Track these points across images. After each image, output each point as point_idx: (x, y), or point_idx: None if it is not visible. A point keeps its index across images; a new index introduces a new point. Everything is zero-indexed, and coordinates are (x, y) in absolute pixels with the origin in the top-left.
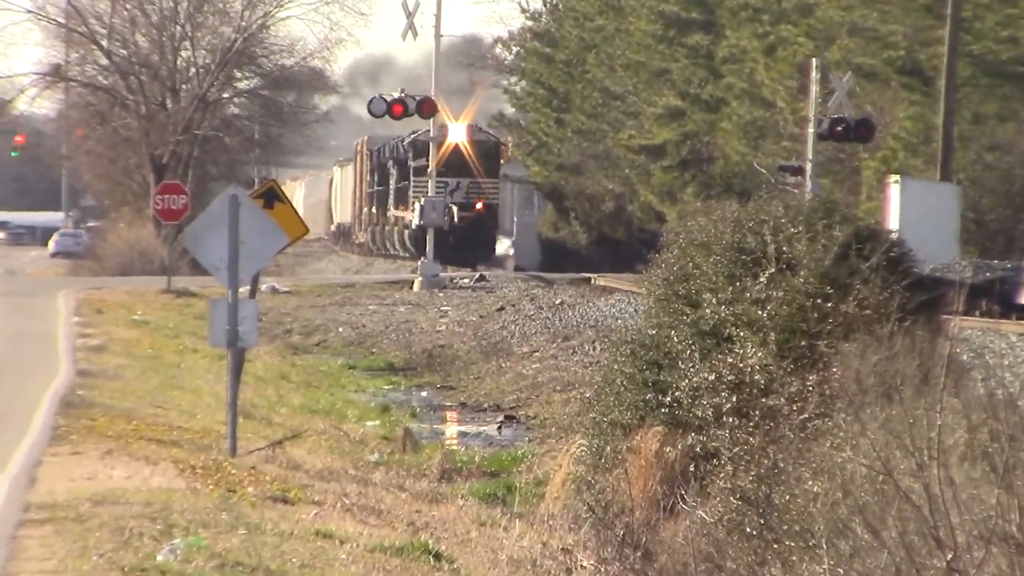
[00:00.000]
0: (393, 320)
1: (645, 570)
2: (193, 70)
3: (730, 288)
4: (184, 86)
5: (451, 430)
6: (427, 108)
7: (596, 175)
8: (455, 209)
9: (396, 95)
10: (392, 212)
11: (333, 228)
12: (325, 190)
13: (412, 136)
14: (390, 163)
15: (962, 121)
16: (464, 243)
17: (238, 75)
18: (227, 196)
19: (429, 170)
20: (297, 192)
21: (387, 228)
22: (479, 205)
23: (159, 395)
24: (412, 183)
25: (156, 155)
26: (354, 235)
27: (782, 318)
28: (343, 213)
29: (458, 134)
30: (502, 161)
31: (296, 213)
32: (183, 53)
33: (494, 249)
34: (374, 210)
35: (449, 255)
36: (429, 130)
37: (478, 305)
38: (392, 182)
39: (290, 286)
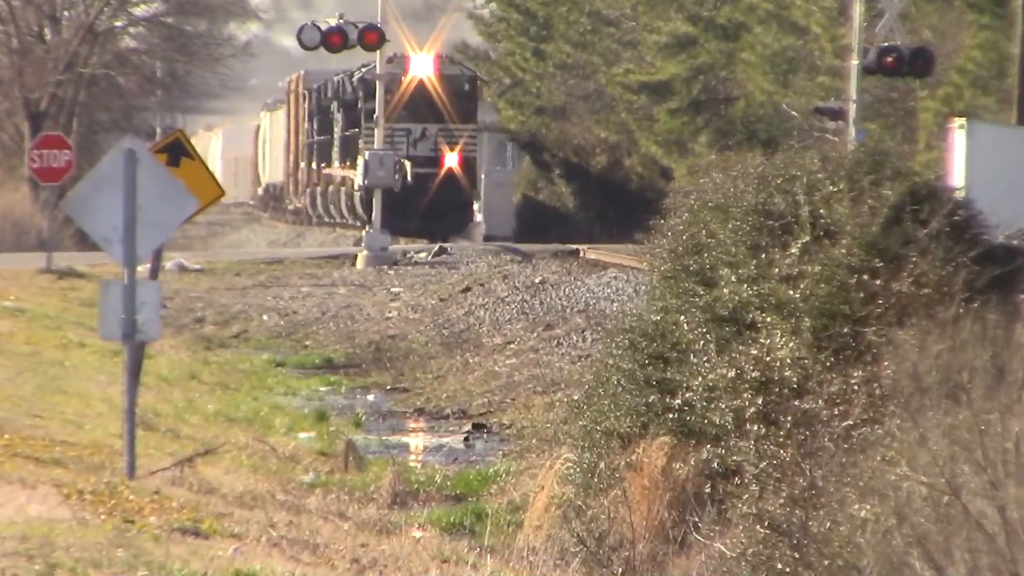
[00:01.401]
0: (332, 305)
1: None
2: None
3: (753, 262)
4: (66, 13)
5: (405, 443)
6: (372, 37)
7: (585, 120)
8: (408, 165)
9: (333, 22)
10: (337, 169)
11: (260, 191)
12: (249, 142)
13: (363, 71)
14: (334, 106)
15: None
16: (433, 209)
17: None
18: (121, 151)
19: (375, 115)
20: (213, 145)
21: (331, 189)
22: (451, 158)
23: (37, 402)
24: (364, 131)
25: (32, 100)
26: (287, 199)
27: (819, 299)
28: (273, 171)
29: (423, 67)
30: (478, 103)
31: (208, 171)
32: None
33: (472, 215)
34: (314, 166)
35: (413, 225)
36: (388, 60)
37: (438, 285)
38: (337, 130)
39: (202, 263)
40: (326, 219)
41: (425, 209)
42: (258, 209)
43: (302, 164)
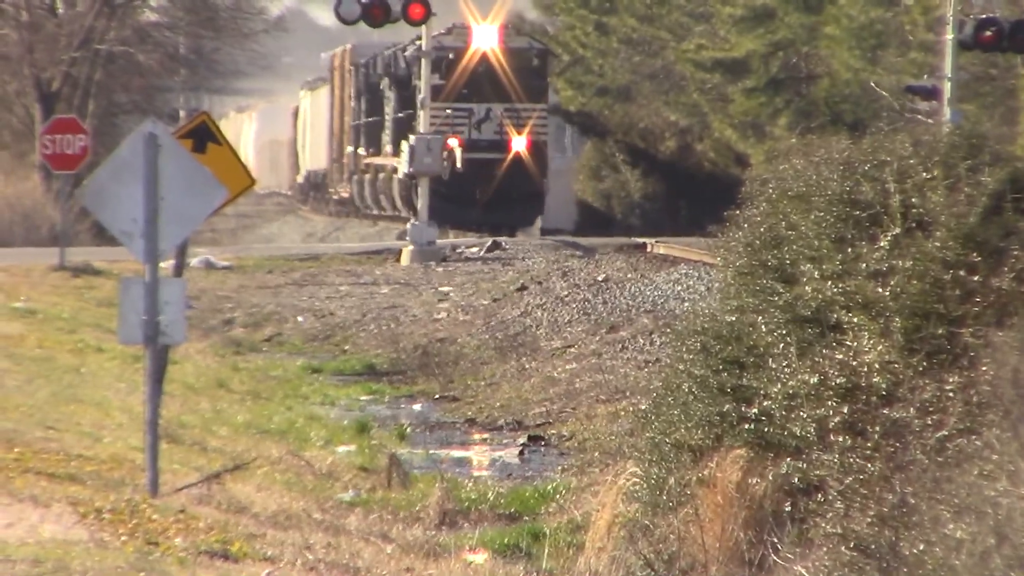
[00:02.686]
0: (373, 305)
1: None
2: None
3: (838, 256)
4: None
5: (454, 457)
6: (418, 10)
7: (653, 102)
8: (458, 150)
9: None
10: (389, 155)
11: (300, 179)
12: (287, 125)
13: (419, 42)
14: (385, 83)
15: None
16: (499, 199)
17: None
18: (142, 135)
19: (421, 97)
20: (246, 128)
21: (381, 177)
22: (518, 141)
23: (51, 411)
24: (421, 111)
25: (43, 79)
26: (331, 187)
27: (911, 297)
28: (315, 157)
29: (487, 39)
30: (548, 80)
31: (237, 158)
32: None
33: (542, 206)
34: (361, 151)
35: (475, 216)
36: (447, 31)
37: (491, 283)
38: (389, 110)
39: (231, 259)
40: (375, 211)
41: (489, 199)
42: (297, 200)
43: (348, 148)
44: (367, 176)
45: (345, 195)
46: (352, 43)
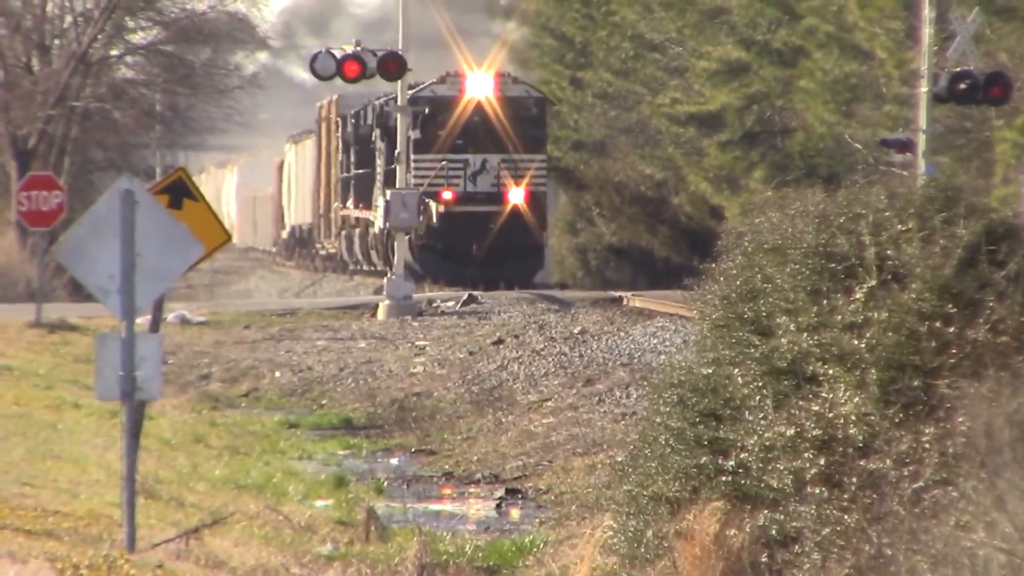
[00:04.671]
0: (350, 360)
1: None
2: (69, 18)
3: (814, 309)
4: (57, 41)
5: (432, 510)
6: (392, 66)
7: (628, 155)
8: (433, 206)
9: (349, 49)
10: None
11: (285, 234)
12: (270, 179)
13: (413, 91)
14: (376, 134)
15: None
16: (496, 254)
17: (131, 24)
18: (118, 192)
19: (398, 152)
20: (227, 182)
21: (373, 232)
22: (516, 193)
23: (28, 468)
24: (414, 163)
25: (19, 136)
26: (318, 243)
27: (886, 349)
28: (300, 212)
29: (482, 87)
30: (548, 129)
31: (213, 214)
32: None
33: (542, 261)
34: (351, 204)
35: (472, 272)
36: (440, 80)
37: (467, 337)
38: (381, 162)
39: (207, 315)
40: (365, 267)
41: (487, 254)
42: (282, 256)
43: (335, 203)
44: (356, 231)
45: (332, 250)
46: (337, 95)
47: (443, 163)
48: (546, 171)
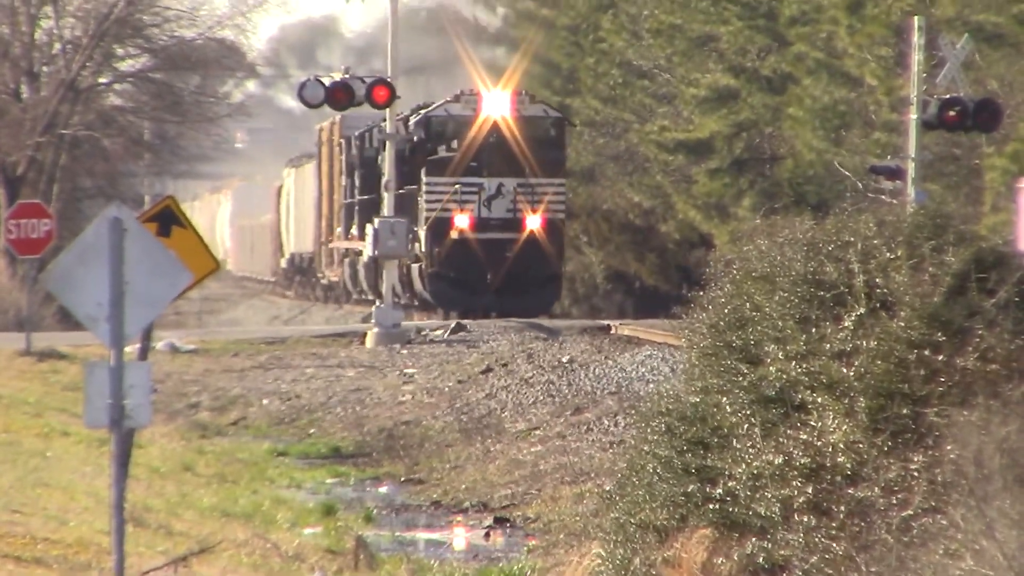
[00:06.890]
0: (339, 388)
1: None
2: (58, 46)
3: (803, 337)
4: (45, 68)
5: (421, 538)
6: (382, 94)
7: (616, 183)
8: (423, 235)
9: (338, 76)
10: None
11: (284, 262)
12: (267, 205)
13: (424, 111)
14: (382, 156)
15: None
16: (512, 283)
17: (120, 52)
18: (106, 219)
19: (385, 180)
20: (222, 209)
21: (362, 261)
22: (533, 219)
23: (17, 496)
24: (426, 187)
25: (8, 163)
26: (319, 272)
27: (875, 377)
28: (300, 239)
29: (498, 106)
30: (567, 151)
31: (202, 241)
32: (43, 23)
33: (559, 290)
34: (355, 231)
35: (486, 302)
36: (454, 98)
37: (456, 366)
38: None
39: (196, 343)
40: (370, 296)
41: (502, 283)
42: (280, 285)
43: (338, 228)
44: (360, 259)
45: (335, 279)
46: (339, 116)
47: (456, 187)
48: (564, 196)
